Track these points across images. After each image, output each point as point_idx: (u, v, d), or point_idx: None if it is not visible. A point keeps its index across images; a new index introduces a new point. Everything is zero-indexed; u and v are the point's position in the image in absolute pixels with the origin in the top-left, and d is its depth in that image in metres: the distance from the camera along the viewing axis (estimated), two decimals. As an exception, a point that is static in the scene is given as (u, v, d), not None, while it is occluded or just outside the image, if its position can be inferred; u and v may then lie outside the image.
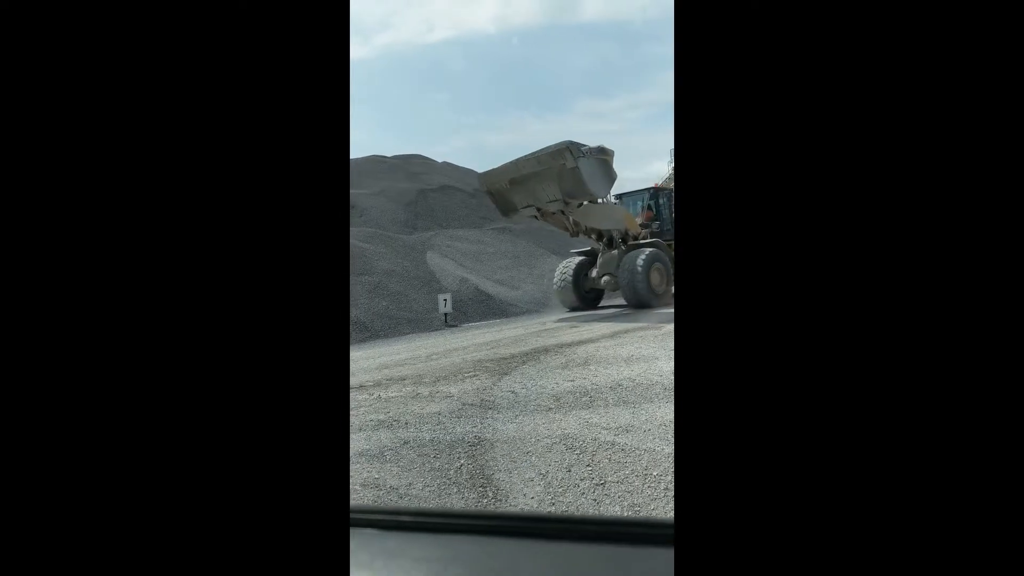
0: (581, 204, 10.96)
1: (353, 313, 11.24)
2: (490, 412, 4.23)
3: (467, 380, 5.44)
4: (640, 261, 10.83)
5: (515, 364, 6.02)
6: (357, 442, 3.79)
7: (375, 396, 5.18)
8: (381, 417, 4.39)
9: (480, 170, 12.20)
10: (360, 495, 2.90)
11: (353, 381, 5.95)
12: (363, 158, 21.65)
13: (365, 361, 7.41)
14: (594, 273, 11.95)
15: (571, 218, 11.25)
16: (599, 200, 11.37)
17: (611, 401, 4.19)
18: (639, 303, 10.75)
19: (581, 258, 12.57)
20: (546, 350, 6.74)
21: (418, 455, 3.44)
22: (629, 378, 4.79)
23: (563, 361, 5.94)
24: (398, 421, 4.23)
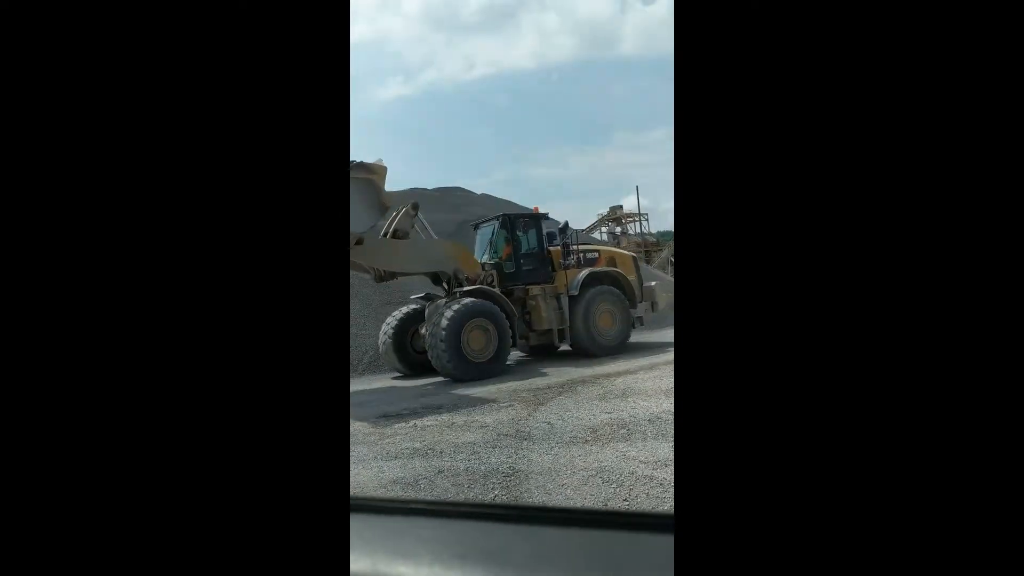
0: (385, 235, 8.14)
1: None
2: (525, 443, 4.17)
3: (503, 410, 5.40)
4: (447, 318, 7.39)
5: (551, 395, 5.96)
6: (392, 470, 3.80)
7: (411, 424, 5.19)
8: (416, 446, 4.39)
9: (520, 201, 11.43)
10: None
11: (389, 409, 5.99)
12: (404, 190, 22.27)
13: (403, 390, 7.46)
14: (423, 329, 8.20)
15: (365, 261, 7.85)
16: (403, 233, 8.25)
17: (650, 434, 4.08)
18: (448, 375, 7.48)
19: (412, 308, 8.97)
20: (583, 381, 6.64)
21: (452, 484, 3.41)
22: (669, 411, 4.66)
23: (600, 392, 5.84)
24: (433, 450, 4.22)
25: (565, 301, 8.80)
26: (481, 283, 8.43)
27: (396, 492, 3.35)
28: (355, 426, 5.29)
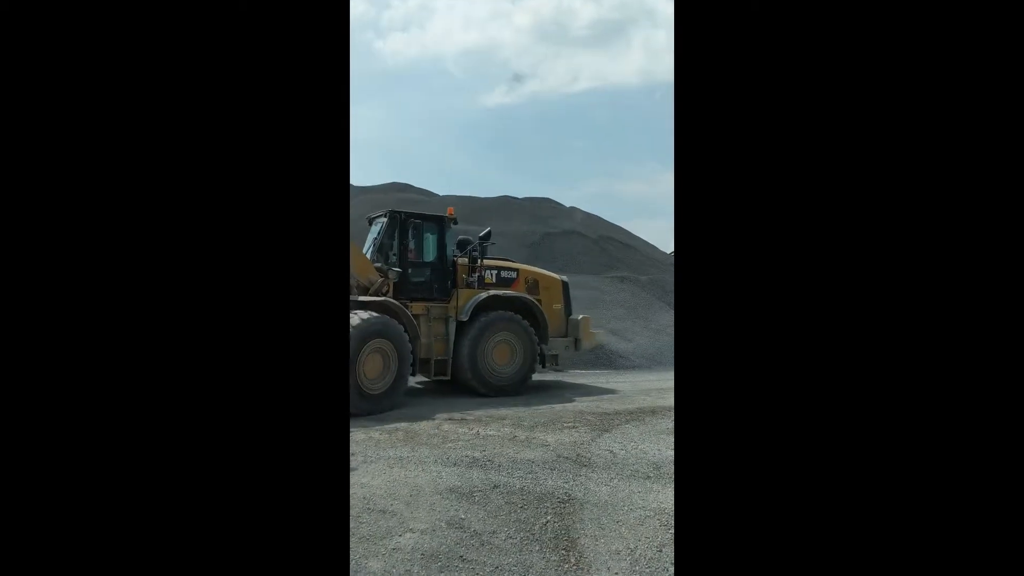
0: None
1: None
2: (584, 469, 4.09)
3: (565, 431, 5.33)
4: None
5: (618, 421, 5.81)
6: (450, 478, 3.85)
7: (474, 432, 5.25)
8: (476, 455, 4.42)
9: (607, 216, 10.08)
10: (444, 534, 2.92)
11: (456, 413, 6.09)
12: (494, 197, 22.66)
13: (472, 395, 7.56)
14: None
15: None
16: None
17: (717, 480, 3.86)
18: None
19: None
20: (653, 411, 6.43)
21: (506, 502, 3.40)
22: (741, 457, 4.40)
23: (670, 426, 5.62)
24: (492, 462, 4.23)
25: (452, 326, 7.11)
26: (375, 292, 6.71)
27: (452, 501, 3.39)
28: (421, 425, 5.41)
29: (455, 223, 7.71)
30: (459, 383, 7.25)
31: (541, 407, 6.58)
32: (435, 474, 3.92)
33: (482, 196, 22.67)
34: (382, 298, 6.61)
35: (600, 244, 18.45)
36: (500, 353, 7.33)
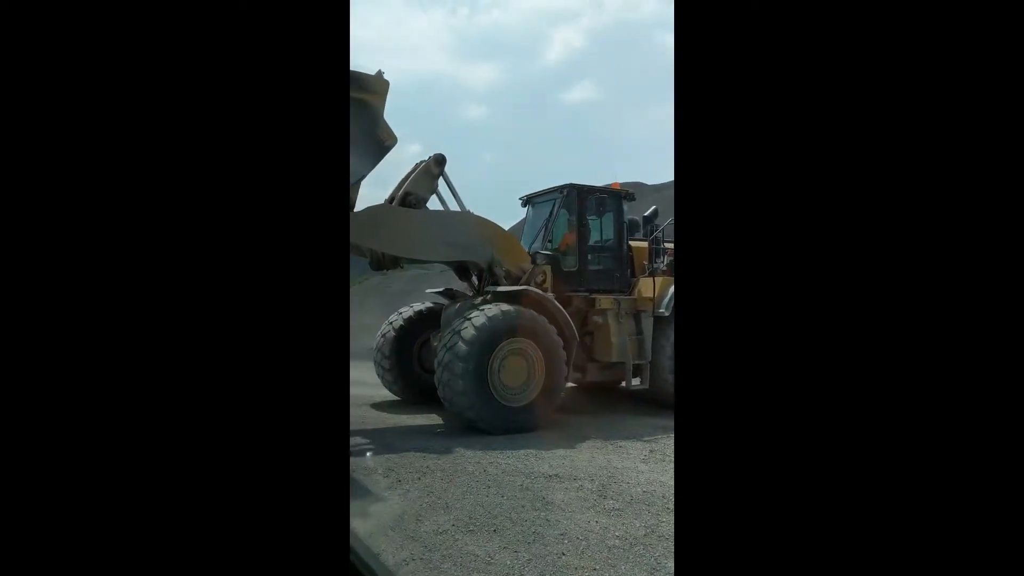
0: (392, 200, 5.50)
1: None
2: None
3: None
4: (475, 327, 4.74)
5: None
6: (667, 474, 3.68)
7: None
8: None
9: None
10: (668, 524, 2.78)
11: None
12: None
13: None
14: (435, 341, 5.66)
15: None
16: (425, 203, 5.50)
17: None
18: (462, 416, 4.85)
19: (427, 306, 6.37)
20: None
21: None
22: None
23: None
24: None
25: (649, 324, 5.71)
26: (527, 282, 5.51)
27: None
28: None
29: (633, 199, 6.32)
30: (656, 394, 5.79)
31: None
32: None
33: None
34: (523, 287, 5.34)
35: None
36: None
